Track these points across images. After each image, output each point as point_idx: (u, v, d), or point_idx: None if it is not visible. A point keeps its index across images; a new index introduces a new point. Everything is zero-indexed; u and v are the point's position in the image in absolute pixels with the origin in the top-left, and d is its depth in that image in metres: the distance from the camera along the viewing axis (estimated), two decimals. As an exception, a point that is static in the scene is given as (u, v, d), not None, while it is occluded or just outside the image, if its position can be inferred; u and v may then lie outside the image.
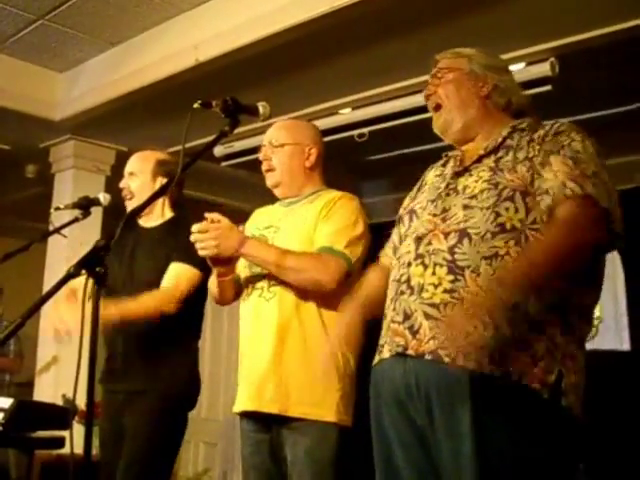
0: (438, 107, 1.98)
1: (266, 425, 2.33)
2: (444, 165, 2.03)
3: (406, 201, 2.06)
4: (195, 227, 2.23)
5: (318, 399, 2.25)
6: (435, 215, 1.82)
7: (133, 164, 3.01)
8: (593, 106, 4.57)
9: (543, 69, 3.76)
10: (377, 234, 2.36)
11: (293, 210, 2.48)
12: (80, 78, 4.97)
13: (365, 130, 4.57)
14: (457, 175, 1.88)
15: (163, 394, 2.73)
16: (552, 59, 3.75)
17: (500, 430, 1.61)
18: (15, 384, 6.00)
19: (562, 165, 1.72)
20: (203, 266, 2.71)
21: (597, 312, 5.30)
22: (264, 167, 2.53)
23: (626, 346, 4.99)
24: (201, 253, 2.24)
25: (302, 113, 4.53)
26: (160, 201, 2.91)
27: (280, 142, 2.51)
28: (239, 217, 2.42)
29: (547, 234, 1.68)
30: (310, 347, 2.29)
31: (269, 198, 2.63)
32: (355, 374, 2.34)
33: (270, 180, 2.52)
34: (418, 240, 1.81)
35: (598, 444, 4.53)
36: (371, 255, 2.32)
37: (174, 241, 2.78)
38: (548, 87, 3.80)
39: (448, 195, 1.84)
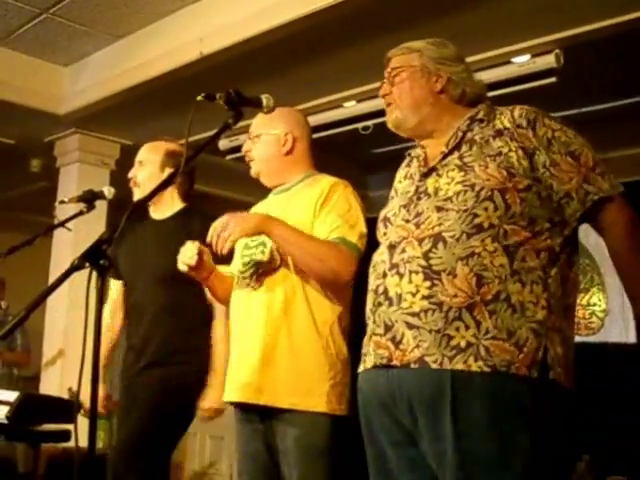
0: (390, 104, 1.98)
1: (258, 415, 2.31)
2: (408, 165, 2.01)
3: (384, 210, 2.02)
4: (212, 226, 2.19)
5: (307, 389, 2.21)
6: (408, 221, 1.78)
7: (143, 153, 3.01)
8: (598, 98, 4.56)
9: (548, 61, 3.76)
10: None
11: (285, 198, 2.44)
12: (85, 72, 4.98)
13: (370, 123, 4.57)
14: (424, 176, 1.85)
15: (174, 370, 2.76)
16: (557, 51, 3.74)
17: (483, 427, 1.60)
18: (23, 378, 6.00)
19: (565, 164, 1.73)
20: (215, 258, 2.72)
21: (603, 304, 5.30)
22: (246, 159, 2.53)
23: (632, 339, 4.98)
24: (229, 240, 2.16)
25: (306, 106, 4.52)
26: (169, 192, 2.91)
27: (256, 133, 2.50)
28: (243, 210, 2.40)
29: (625, 264, 1.75)
30: (298, 337, 2.26)
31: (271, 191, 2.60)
32: (349, 361, 2.30)
33: (251, 171, 2.51)
34: (392, 248, 1.78)
35: (604, 436, 4.54)
36: (372, 247, 2.30)
37: (186, 233, 2.74)
38: (553, 79, 3.80)
39: (419, 199, 1.81)
